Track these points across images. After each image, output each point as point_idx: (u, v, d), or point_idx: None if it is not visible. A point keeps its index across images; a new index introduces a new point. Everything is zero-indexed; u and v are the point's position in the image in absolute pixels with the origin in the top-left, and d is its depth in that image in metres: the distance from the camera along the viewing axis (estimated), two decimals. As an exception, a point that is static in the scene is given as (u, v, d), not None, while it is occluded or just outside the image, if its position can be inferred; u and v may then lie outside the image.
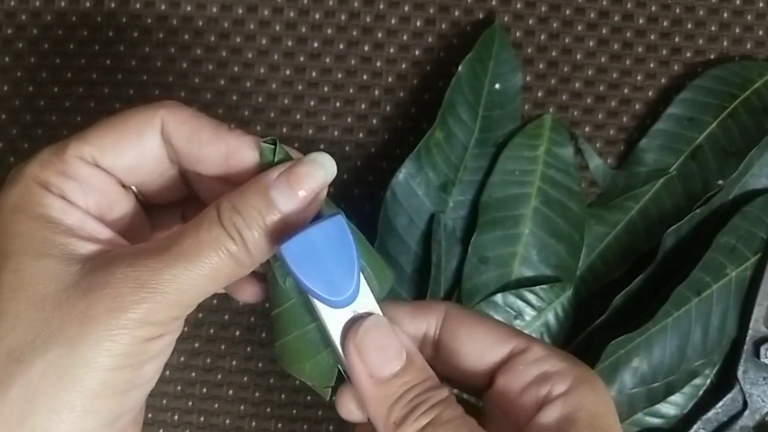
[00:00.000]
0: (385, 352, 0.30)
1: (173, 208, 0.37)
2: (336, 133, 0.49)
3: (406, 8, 0.50)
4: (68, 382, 0.27)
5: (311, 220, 0.31)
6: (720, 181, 0.47)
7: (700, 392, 0.47)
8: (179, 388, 0.49)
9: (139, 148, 0.32)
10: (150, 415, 0.48)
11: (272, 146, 0.31)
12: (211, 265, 0.29)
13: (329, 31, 0.50)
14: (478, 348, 0.32)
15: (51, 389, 0.27)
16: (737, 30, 0.50)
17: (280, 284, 0.32)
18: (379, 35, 0.50)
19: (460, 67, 0.47)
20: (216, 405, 0.49)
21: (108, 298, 0.28)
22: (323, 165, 0.31)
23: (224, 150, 0.31)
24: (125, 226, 0.33)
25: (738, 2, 0.50)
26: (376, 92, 0.50)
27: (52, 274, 0.29)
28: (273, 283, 0.32)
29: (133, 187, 0.34)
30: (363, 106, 0.50)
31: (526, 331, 0.46)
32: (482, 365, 0.32)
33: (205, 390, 0.49)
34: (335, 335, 0.31)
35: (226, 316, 0.49)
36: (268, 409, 0.49)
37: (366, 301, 0.31)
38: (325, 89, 0.50)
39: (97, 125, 0.32)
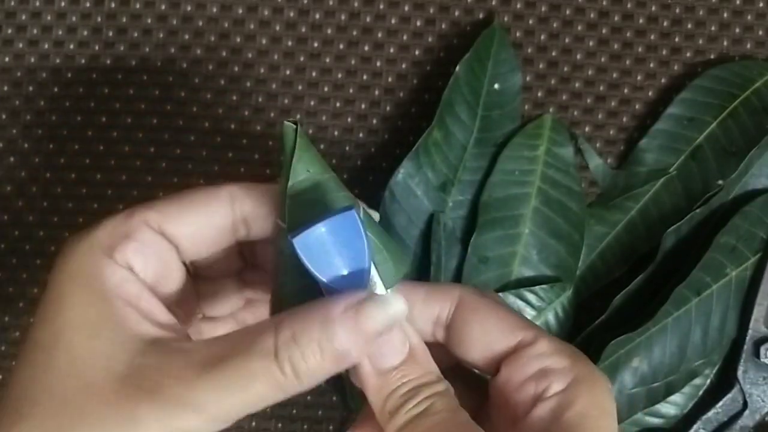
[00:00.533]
0: (387, 344, 0.30)
1: (222, 280, 0.37)
2: (336, 133, 0.49)
3: (406, 8, 0.50)
4: None
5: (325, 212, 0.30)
6: (720, 181, 0.47)
7: (700, 392, 0.47)
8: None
9: (206, 216, 0.32)
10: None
11: (294, 126, 0.31)
12: (257, 393, 0.28)
13: (329, 31, 0.50)
14: (487, 336, 0.32)
15: None
16: (737, 30, 0.50)
17: (285, 258, 0.31)
18: (379, 35, 0.50)
19: (458, 67, 0.47)
20: (216, 405, 0.49)
21: (156, 408, 0.28)
22: (394, 307, 0.30)
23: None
24: (176, 298, 0.33)
25: (738, 2, 0.50)
26: (376, 92, 0.50)
27: (104, 359, 0.29)
28: (282, 259, 0.32)
29: (187, 261, 0.34)
30: (363, 106, 0.50)
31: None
32: (490, 353, 0.32)
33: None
34: None
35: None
36: (268, 409, 0.49)
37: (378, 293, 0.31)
38: (326, 89, 0.50)
39: (165, 196, 0.32)
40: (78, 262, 0.30)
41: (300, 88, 0.49)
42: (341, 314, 0.29)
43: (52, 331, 0.29)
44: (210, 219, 0.32)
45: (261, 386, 0.28)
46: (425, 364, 0.31)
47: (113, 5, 0.49)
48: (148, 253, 0.31)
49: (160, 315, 0.31)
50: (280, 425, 0.49)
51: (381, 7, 0.50)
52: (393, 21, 0.50)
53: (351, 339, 0.29)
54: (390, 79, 0.50)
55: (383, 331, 0.29)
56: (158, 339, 0.30)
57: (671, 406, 0.47)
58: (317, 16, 0.50)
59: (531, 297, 0.46)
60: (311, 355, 0.28)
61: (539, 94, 0.50)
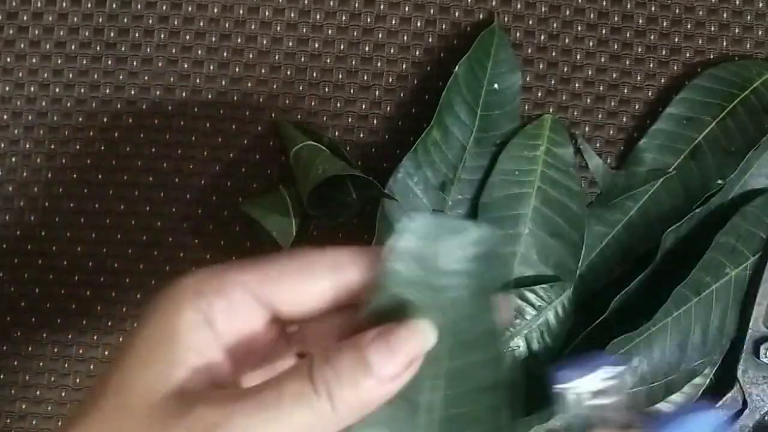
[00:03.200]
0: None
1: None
2: (337, 133, 0.50)
3: (407, 9, 0.50)
4: None
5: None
6: (719, 181, 0.47)
7: (700, 392, 0.47)
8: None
9: (307, 283, 0.31)
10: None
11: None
12: (290, 418, 0.27)
13: (330, 31, 0.50)
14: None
15: None
16: (737, 30, 0.50)
17: None
18: (380, 36, 0.50)
19: (457, 67, 0.47)
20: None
21: (183, 428, 0.27)
22: (424, 331, 0.29)
23: None
24: (253, 362, 0.32)
25: (737, 2, 0.50)
26: (377, 92, 0.50)
27: (150, 385, 0.29)
28: None
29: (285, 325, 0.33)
30: (363, 106, 0.50)
31: (525, 331, 0.46)
32: None
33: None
34: None
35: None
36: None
37: None
38: (326, 89, 0.50)
39: (266, 257, 0.31)
40: (165, 300, 0.30)
41: (300, 88, 0.50)
42: (374, 341, 0.28)
43: (121, 351, 0.30)
44: (311, 286, 0.31)
45: (296, 411, 0.27)
46: None
47: (115, 6, 0.49)
48: (234, 314, 0.30)
49: (221, 373, 0.30)
50: (280, 425, 0.49)
51: (381, 7, 0.50)
52: (393, 22, 0.50)
53: (385, 365, 0.28)
54: (390, 80, 0.50)
55: (416, 356, 0.29)
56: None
57: (671, 406, 0.47)
58: (318, 16, 0.50)
59: (531, 296, 0.46)
60: (346, 380, 0.28)
61: (539, 95, 0.50)
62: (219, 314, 0.30)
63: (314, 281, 0.31)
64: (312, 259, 0.31)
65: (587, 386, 0.38)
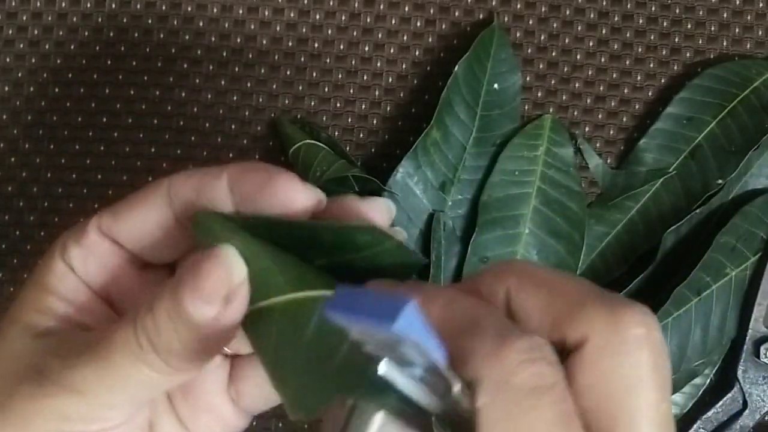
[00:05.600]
0: None
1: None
2: (336, 133, 0.50)
3: (407, 9, 0.50)
4: None
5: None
6: (720, 181, 0.47)
7: (700, 392, 0.47)
8: (180, 387, 0.49)
9: (144, 210, 0.30)
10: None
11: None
12: (123, 370, 0.27)
13: (329, 31, 0.50)
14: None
15: None
16: (737, 30, 0.50)
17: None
18: (380, 36, 0.50)
19: (457, 67, 0.47)
20: (216, 405, 0.49)
21: (43, 395, 0.28)
22: (227, 263, 0.26)
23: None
24: (129, 296, 0.32)
25: (738, 2, 0.50)
26: (377, 92, 0.50)
27: (16, 345, 0.29)
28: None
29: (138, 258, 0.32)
30: (363, 106, 0.50)
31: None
32: None
33: (205, 390, 0.49)
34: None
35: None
36: (269, 409, 0.49)
37: None
38: (326, 89, 0.50)
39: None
40: (41, 261, 0.31)
41: (300, 88, 0.50)
42: (183, 279, 0.26)
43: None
44: (148, 213, 0.30)
45: (123, 361, 0.27)
46: None
47: (114, 6, 0.49)
48: (89, 254, 0.31)
49: (94, 311, 0.30)
50: (280, 425, 0.49)
51: (381, 7, 0.50)
52: (393, 21, 0.50)
53: (197, 306, 0.26)
54: (390, 80, 0.50)
55: (227, 292, 0.26)
56: (67, 330, 0.30)
57: (671, 406, 0.47)
58: (317, 16, 0.50)
59: (531, 297, 0.46)
60: (163, 326, 0.26)
61: (539, 95, 0.50)
62: (76, 260, 0.30)
63: (150, 208, 0.30)
64: (149, 188, 0.30)
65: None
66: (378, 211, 0.29)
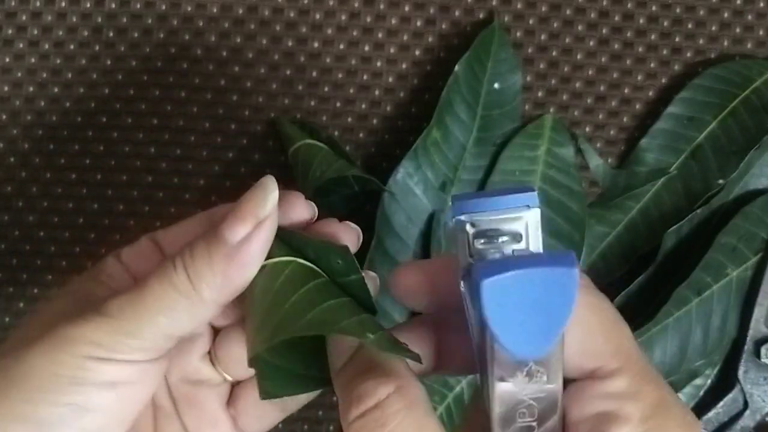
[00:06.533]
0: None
1: None
2: (336, 132, 0.49)
3: (407, 8, 0.50)
4: (9, 387, 0.29)
5: (520, 251, 0.26)
6: (720, 181, 0.47)
7: (701, 392, 0.47)
8: (179, 388, 0.49)
9: (187, 224, 0.35)
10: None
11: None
12: (154, 295, 0.30)
13: (329, 31, 0.50)
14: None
15: None
16: (738, 30, 0.50)
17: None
18: (380, 35, 0.50)
19: (457, 67, 0.47)
20: (216, 405, 0.48)
21: (76, 312, 0.30)
22: (264, 185, 0.31)
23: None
24: None
25: (738, 2, 0.50)
26: (377, 92, 0.50)
27: (75, 286, 0.33)
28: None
29: None
30: (363, 106, 0.50)
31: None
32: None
33: (205, 390, 0.49)
34: (497, 385, 0.26)
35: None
36: (269, 409, 0.49)
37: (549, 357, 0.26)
38: (326, 89, 0.50)
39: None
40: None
41: (300, 88, 0.49)
42: (223, 216, 0.30)
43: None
44: (189, 226, 0.34)
45: (158, 288, 0.30)
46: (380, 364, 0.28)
47: (113, 5, 0.49)
48: (136, 253, 0.34)
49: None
50: (280, 425, 0.49)
51: (381, 7, 0.50)
52: (393, 21, 0.50)
53: (233, 230, 0.30)
54: (390, 79, 0.50)
55: (260, 213, 0.30)
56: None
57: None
58: (317, 16, 0.50)
59: (531, 297, 0.46)
60: (199, 250, 0.30)
61: (540, 94, 0.50)
62: (125, 254, 0.34)
63: (190, 223, 0.34)
64: (200, 215, 0.35)
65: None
66: (347, 234, 0.34)
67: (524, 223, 0.26)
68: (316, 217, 0.34)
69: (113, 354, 0.29)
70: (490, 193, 0.26)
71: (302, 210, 0.34)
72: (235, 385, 0.36)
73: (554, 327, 0.24)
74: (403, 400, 0.26)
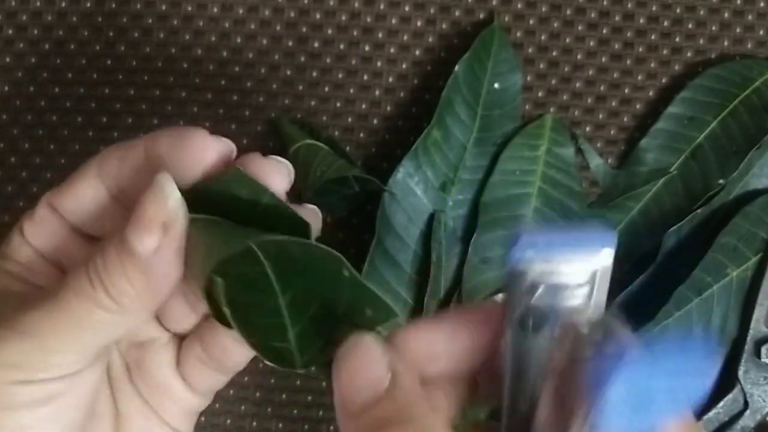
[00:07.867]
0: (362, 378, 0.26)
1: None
2: (336, 132, 0.49)
3: (407, 8, 0.50)
4: None
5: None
6: (721, 181, 0.47)
7: (701, 392, 0.47)
8: (180, 388, 0.49)
9: (81, 187, 0.32)
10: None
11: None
12: (73, 312, 0.28)
13: (330, 31, 0.50)
14: None
15: None
16: (738, 30, 0.50)
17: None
18: (380, 35, 0.50)
19: (457, 67, 0.47)
20: (217, 405, 0.49)
21: None
22: (160, 190, 0.28)
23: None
24: (72, 264, 0.33)
25: (739, 2, 0.50)
26: (377, 92, 0.50)
27: None
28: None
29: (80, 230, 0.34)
30: (363, 106, 0.50)
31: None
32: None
33: (205, 390, 0.49)
34: None
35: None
36: (269, 409, 0.49)
37: None
38: (326, 89, 0.50)
39: None
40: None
41: (300, 88, 0.49)
42: (129, 220, 0.28)
43: None
44: (83, 189, 0.31)
45: (74, 301, 0.28)
46: (407, 397, 0.26)
47: (114, 5, 0.49)
48: (40, 226, 0.32)
49: (49, 277, 0.32)
50: (280, 425, 0.49)
51: (381, 7, 0.50)
52: (393, 21, 0.50)
53: (140, 239, 0.27)
54: (390, 79, 0.50)
55: (165, 218, 0.28)
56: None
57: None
58: (317, 16, 0.50)
59: (531, 297, 0.46)
60: (111, 260, 0.28)
61: (540, 94, 0.50)
62: (28, 231, 0.32)
63: (84, 186, 0.31)
64: (85, 166, 0.32)
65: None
66: (276, 171, 0.31)
67: (592, 271, 0.24)
68: (234, 154, 0.31)
69: (36, 375, 0.28)
70: (562, 232, 0.24)
71: (211, 152, 0.30)
72: (181, 341, 0.33)
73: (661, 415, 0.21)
74: None
